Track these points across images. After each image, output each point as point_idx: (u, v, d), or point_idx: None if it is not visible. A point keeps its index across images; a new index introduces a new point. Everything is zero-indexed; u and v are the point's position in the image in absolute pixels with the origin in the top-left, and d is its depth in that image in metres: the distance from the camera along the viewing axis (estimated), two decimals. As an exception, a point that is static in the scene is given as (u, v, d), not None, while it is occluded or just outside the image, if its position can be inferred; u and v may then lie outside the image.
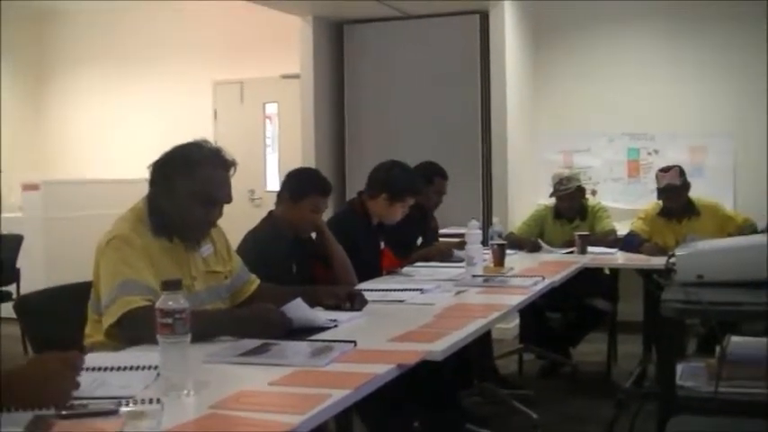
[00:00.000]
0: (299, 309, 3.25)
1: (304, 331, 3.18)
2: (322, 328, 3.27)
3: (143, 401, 2.23)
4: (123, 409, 2.17)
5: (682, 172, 6.58)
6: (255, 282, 3.75)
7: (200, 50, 10.45)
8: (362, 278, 4.80)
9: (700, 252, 3.96)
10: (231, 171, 3.39)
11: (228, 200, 3.38)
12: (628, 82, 8.98)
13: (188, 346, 2.39)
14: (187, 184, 3.25)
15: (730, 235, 6.15)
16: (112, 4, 10.42)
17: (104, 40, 10.94)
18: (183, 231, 3.32)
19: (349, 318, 3.55)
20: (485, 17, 8.61)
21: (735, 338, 3.63)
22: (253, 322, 3.12)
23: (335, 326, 3.36)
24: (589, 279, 6.32)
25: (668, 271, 4.10)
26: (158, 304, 2.37)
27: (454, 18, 8.80)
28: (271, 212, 4.66)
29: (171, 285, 2.39)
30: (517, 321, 7.35)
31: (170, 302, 2.35)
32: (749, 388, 3.47)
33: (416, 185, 5.47)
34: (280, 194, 4.68)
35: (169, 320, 2.34)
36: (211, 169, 3.31)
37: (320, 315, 3.42)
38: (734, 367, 3.50)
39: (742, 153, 8.55)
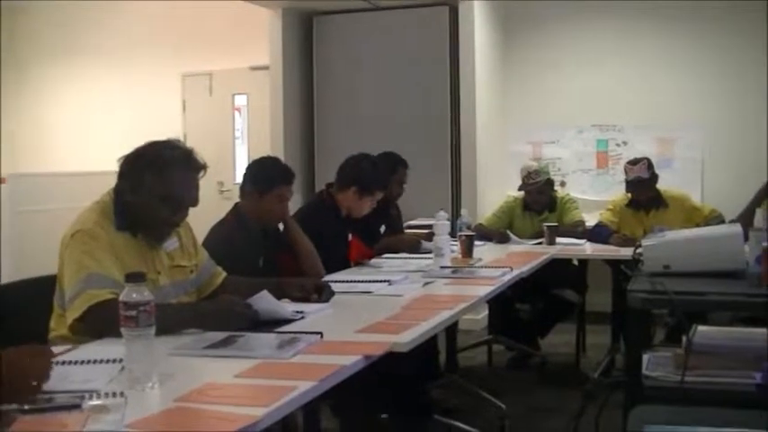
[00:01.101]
0: (264, 301, 3.24)
1: (270, 323, 3.17)
2: (288, 320, 3.26)
3: (107, 395, 2.21)
4: (86, 403, 2.15)
5: (650, 165, 6.61)
6: (222, 275, 3.74)
7: (169, 42, 10.37)
8: (331, 269, 4.80)
9: (666, 243, 3.98)
10: (201, 174, 3.37)
11: (195, 203, 3.37)
12: (597, 74, 9.01)
13: (152, 339, 2.38)
14: (155, 183, 3.23)
15: (698, 226, 6.19)
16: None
17: (73, 33, 10.85)
18: (146, 228, 3.31)
19: (316, 309, 3.54)
20: (454, 9, 8.61)
21: (701, 328, 3.64)
22: (218, 315, 3.11)
23: (302, 317, 3.35)
24: (558, 270, 6.34)
25: (635, 261, 4.13)
26: (122, 297, 2.35)
27: (423, 10, 8.80)
28: (236, 205, 4.64)
29: (134, 278, 2.38)
30: (486, 313, 7.38)
31: (134, 295, 2.34)
32: (715, 377, 3.49)
33: (385, 180, 5.50)
34: (243, 187, 4.67)
35: (133, 313, 2.33)
36: (181, 171, 3.29)
37: (286, 307, 3.41)
38: (700, 357, 3.52)
39: (710, 145, 8.59)
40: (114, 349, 2.57)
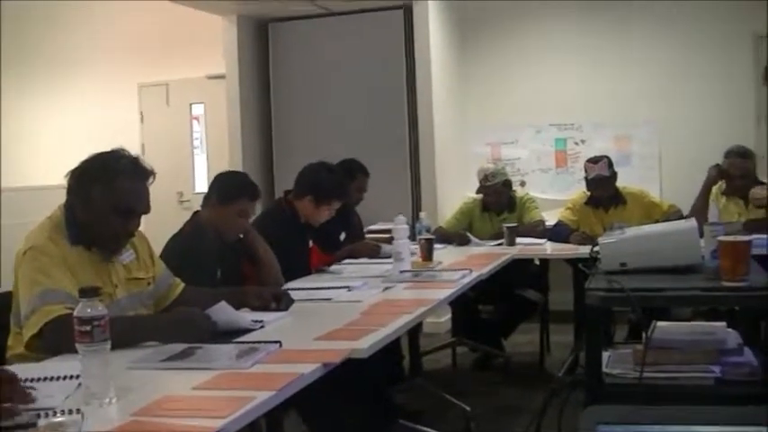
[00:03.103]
0: (223, 311, 3.23)
1: (229, 333, 3.16)
2: (247, 330, 3.25)
3: (63, 412, 2.20)
4: (43, 421, 2.14)
5: (610, 163, 6.65)
6: (180, 286, 3.72)
7: (124, 53, 10.31)
8: (291, 277, 4.79)
9: (622, 240, 4.00)
10: (150, 180, 3.35)
11: (147, 210, 3.35)
12: (553, 73, 9.06)
13: (108, 354, 2.36)
14: (104, 194, 3.21)
15: (657, 221, 6.23)
16: (35, 5, 10.26)
17: (27, 44, 10.76)
18: (101, 242, 3.29)
19: (275, 318, 3.53)
20: (408, 12, 8.62)
21: (661, 324, 3.66)
22: (177, 326, 3.09)
23: (261, 327, 3.34)
24: (519, 270, 6.39)
25: (593, 260, 4.14)
26: (76, 312, 2.34)
27: (378, 14, 8.81)
28: (196, 214, 4.61)
29: (88, 292, 2.37)
30: (449, 315, 7.39)
31: (88, 310, 2.33)
32: (674, 372, 3.51)
33: (343, 189, 5.50)
34: (207, 197, 4.64)
35: (87, 328, 2.32)
36: (129, 180, 3.27)
37: (245, 317, 3.40)
38: (660, 353, 3.54)
39: (666, 141, 8.68)
40: (71, 365, 2.56)
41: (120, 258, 3.40)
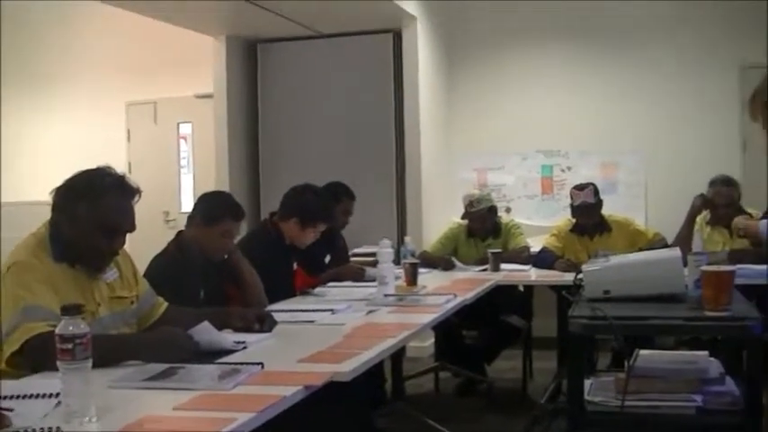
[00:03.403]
0: (205, 331, 3.23)
1: (212, 354, 3.15)
2: (230, 351, 3.24)
3: (42, 430, 2.19)
4: (20, 439, 2.13)
5: (596, 190, 6.66)
6: (163, 305, 3.71)
7: (113, 70, 10.30)
8: (275, 299, 4.78)
9: (606, 268, 4.02)
10: (136, 199, 3.34)
11: (132, 229, 3.34)
12: (540, 100, 9.10)
13: (89, 372, 2.35)
14: (90, 212, 3.20)
15: (642, 250, 6.25)
16: (25, 22, 10.26)
17: (16, 61, 10.74)
18: (85, 259, 3.27)
19: (258, 339, 3.52)
20: (398, 36, 8.65)
21: (644, 352, 3.68)
22: (159, 346, 3.08)
23: (244, 348, 3.33)
24: (503, 296, 6.39)
25: (577, 287, 4.15)
26: (58, 330, 2.32)
27: (367, 37, 8.83)
28: (179, 234, 4.60)
29: (70, 310, 2.35)
30: (433, 340, 7.38)
31: (70, 327, 2.31)
32: (656, 401, 3.52)
33: (328, 212, 5.51)
34: (191, 217, 4.62)
35: (69, 346, 2.30)
36: (115, 198, 3.26)
37: (228, 338, 3.38)
38: (642, 381, 3.56)
39: (652, 169, 8.72)
40: (51, 383, 2.53)
41: (104, 277, 3.39)
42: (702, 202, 6.40)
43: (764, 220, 4.18)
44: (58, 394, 2.44)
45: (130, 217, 3.33)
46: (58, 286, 3.12)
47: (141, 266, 4.37)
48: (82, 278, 3.27)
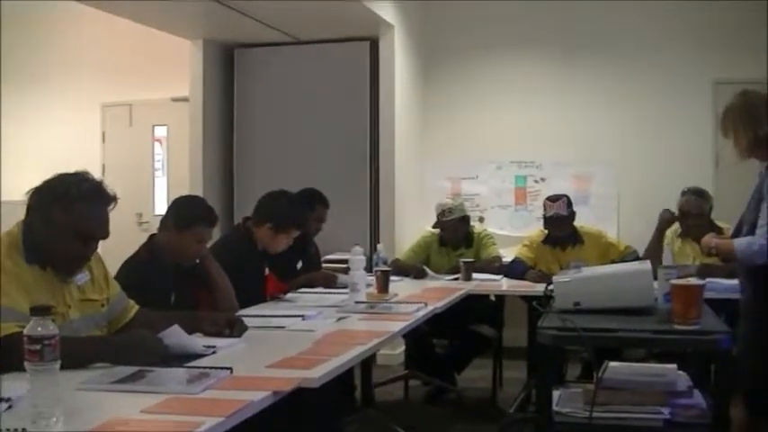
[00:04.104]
0: (175, 335, 3.22)
1: (180, 358, 3.14)
2: (200, 355, 3.24)
3: (8, 431, 2.18)
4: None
5: (569, 202, 6.69)
6: (134, 308, 3.69)
7: (88, 72, 10.26)
8: (246, 304, 4.77)
9: (576, 280, 4.03)
10: (111, 206, 3.33)
11: (105, 236, 3.33)
12: (515, 111, 9.15)
13: (57, 374, 2.34)
14: (66, 218, 3.18)
15: (613, 262, 6.29)
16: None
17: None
18: (57, 263, 3.25)
19: (228, 344, 3.51)
20: (375, 44, 8.67)
21: (612, 364, 3.70)
22: (128, 348, 3.07)
23: (213, 352, 3.32)
24: (475, 305, 6.40)
25: (547, 298, 4.17)
26: (26, 330, 2.30)
27: (345, 44, 8.85)
28: (151, 237, 4.58)
29: (39, 311, 2.34)
30: (403, 348, 7.38)
31: (38, 328, 2.30)
32: (624, 413, 3.54)
33: (302, 219, 5.51)
34: (164, 220, 4.60)
35: (37, 347, 2.29)
36: (91, 205, 3.24)
37: (197, 342, 3.38)
38: (610, 393, 3.57)
39: (625, 182, 8.78)
40: (7, 386, 2.51)
41: (75, 279, 3.37)
42: (670, 216, 6.43)
43: (739, 239, 4.20)
44: (8, 399, 2.43)
45: (105, 224, 3.31)
46: (29, 287, 3.11)
47: (113, 268, 4.36)
48: (53, 280, 3.26)
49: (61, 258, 3.25)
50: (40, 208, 3.22)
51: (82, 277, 3.41)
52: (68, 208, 3.19)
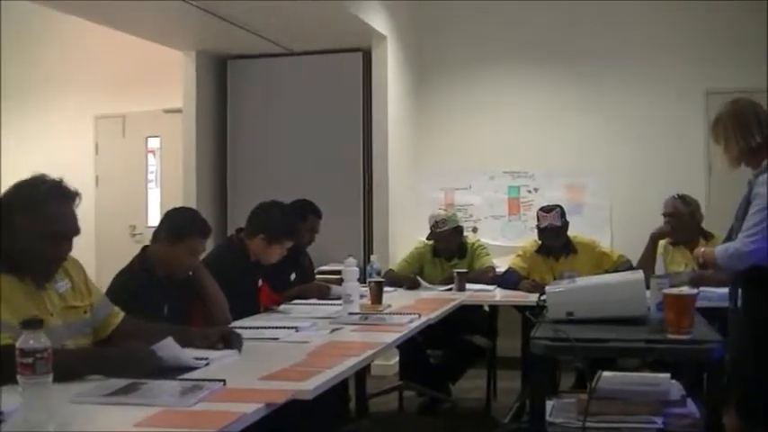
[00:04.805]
0: (169, 348, 3.21)
1: (174, 370, 3.14)
2: (192, 368, 3.23)
3: (1, 444, 2.18)
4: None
5: (563, 213, 6.70)
6: (119, 315, 3.66)
7: (82, 84, 10.26)
8: (240, 315, 4.77)
9: (569, 290, 4.04)
10: (76, 202, 3.31)
11: (76, 233, 3.31)
12: (508, 121, 9.17)
13: (50, 386, 2.34)
14: (32, 222, 3.17)
15: (607, 272, 6.30)
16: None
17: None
18: (32, 269, 3.23)
19: (221, 356, 3.50)
20: (368, 55, 8.68)
21: (606, 374, 3.71)
22: (121, 361, 3.07)
23: (207, 364, 3.31)
24: (468, 316, 6.41)
25: (540, 308, 4.18)
26: (19, 344, 2.30)
27: (338, 55, 8.86)
28: (144, 249, 4.57)
29: (32, 324, 2.34)
30: (397, 358, 7.37)
31: (31, 341, 2.30)
32: (617, 422, 3.54)
33: (295, 230, 5.52)
34: (157, 232, 4.58)
35: (30, 360, 2.29)
36: (55, 205, 3.23)
37: (189, 355, 3.36)
38: (603, 402, 3.58)
39: (618, 192, 8.80)
40: (3, 399, 2.50)
41: (56, 287, 3.35)
42: (660, 230, 6.48)
43: (719, 246, 4.23)
44: (1, 412, 2.41)
45: (73, 221, 3.30)
46: (8, 298, 3.08)
47: (106, 280, 4.37)
48: (32, 289, 3.23)
49: (36, 263, 3.23)
50: (6, 219, 3.20)
51: (63, 285, 3.39)
52: (34, 211, 3.18)
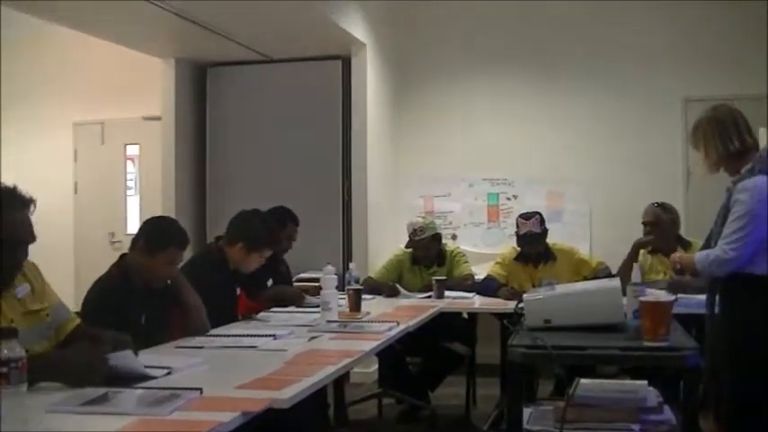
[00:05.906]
0: (124, 358, 3.18)
1: (130, 379, 3.11)
2: (150, 377, 3.19)
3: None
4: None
5: (542, 220, 6.70)
6: (75, 321, 3.64)
7: (60, 91, 10.22)
8: (218, 323, 4.75)
9: (547, 298, 4.05)
10: (31, 208, 3.27)
11: (32, 239, 3.27)
12: (487, 129, 9.19)
13: (25, 396, 2.33)
14: None
15: (586, 278, 6.31)
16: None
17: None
18: None
19: (187, 365, 3.47)
20: (347, 62, 8.68)
21: (584, 381, 3.71)
22: (72, 368, 3.02)
23: (168, 374, 3.28)
24: (447, 323, 6.41)
25: (518, 316, 4.18)
26: (-8, 353, 2.30)
27: (317, 63, 8.86)
28: (122, 257, 4.55)
29: (6, 333, 2.33)
30: (377, 366, 7.37)
31: (5, 351, 2.30)
32: (595, 429, 3.55)
33: (274, 238, 5.52)
34: (135, 240, 4.56)
35: (4, 369, 2.29)
36: (9, 211, 3.19)
37: (142, 365, 3.28)
38: (581, 410, 3.59)
39: (597, 199, 8.83)
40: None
41: (15, 292, 3.33)
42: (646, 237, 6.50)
43: (699, 252, 4.26)
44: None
45: (28, 227, 3.25)
46: None
47: (84, 287, 4.35)
48: None
49: None
50: None
51: (21, 289, 3.36)
52: None
